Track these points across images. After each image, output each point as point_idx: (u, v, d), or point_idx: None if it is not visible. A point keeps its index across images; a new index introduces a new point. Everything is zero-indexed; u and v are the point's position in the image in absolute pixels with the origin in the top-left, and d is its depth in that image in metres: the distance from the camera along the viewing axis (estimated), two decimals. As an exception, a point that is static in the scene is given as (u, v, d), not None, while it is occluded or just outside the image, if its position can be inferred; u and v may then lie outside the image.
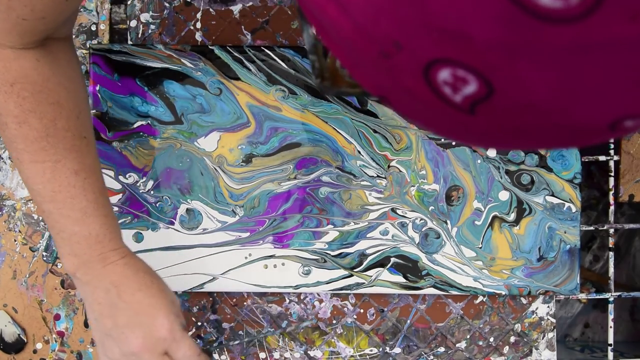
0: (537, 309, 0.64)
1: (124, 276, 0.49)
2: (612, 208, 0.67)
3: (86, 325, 0.66)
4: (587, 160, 0.66)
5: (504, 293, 0.63)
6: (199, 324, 0.65)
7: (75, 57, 0.50)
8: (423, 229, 0.63)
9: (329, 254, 0.63)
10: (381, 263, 0.63)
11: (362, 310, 0.65)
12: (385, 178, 0.63)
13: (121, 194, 0.63)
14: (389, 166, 0.63)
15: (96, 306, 0.48)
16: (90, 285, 0.49)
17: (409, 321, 0.65)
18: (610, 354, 0.66)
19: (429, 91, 0.20)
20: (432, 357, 0.65)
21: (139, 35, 0.65)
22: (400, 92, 0.22)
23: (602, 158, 0.66)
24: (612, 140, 0.66)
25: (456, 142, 0.62)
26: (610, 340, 0.66)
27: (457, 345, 0.65)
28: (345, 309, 0.65)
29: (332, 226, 0.63)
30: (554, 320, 0.65)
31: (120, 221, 0.62)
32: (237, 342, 0.64)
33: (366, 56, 0.21)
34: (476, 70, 0.19)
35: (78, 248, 0.48)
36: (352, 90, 0.28)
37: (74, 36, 0.65)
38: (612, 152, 0.66)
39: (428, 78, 0.20)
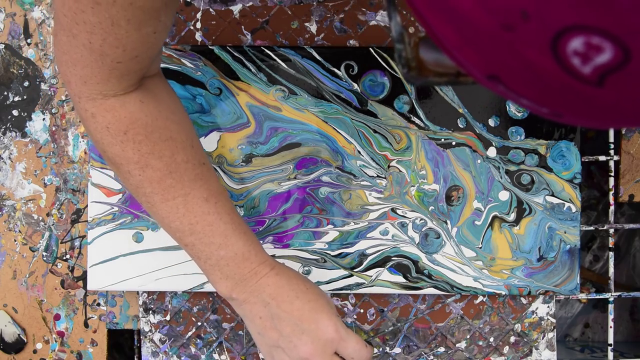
0: (537, 309, 0.64)
1: (278, 287, 0.50)
2: (612, 208, 0.67)
3: (86, 325, 0.66)
4: (587, 160, 0.66)
5: (504, 293, 0.63)
6: (199, 324, 0.65)
7: (171, 89, 0.51)
8: (423, 229, 0.63)
9: (329, 254, 0.63)
10: (383, 262, 0.63)
11: (362, 310, 0.65)
12: (385, 178, 0.63)
13: (121, 194, 0.63)
14: (389, 166, 0.63)
15: (258, 321, 0.50)
16: (248, 302, 0.50)
17: (409, 321, 0.65)
18: (610, 354, 0.66)
19: (554, 63, 0.20)
20: (432, 357, 0.65)
21: (139, 35, 0.65)
22: (517, 67, 0.21)
23: (602, 158, 0.66)
24: (612, 140, 0.66)
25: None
26: (610, 340, 0.66)
27: (457, 345, 0.65)
28: (345, 309, 0.65)
29: (332, 226, 0.63)
30: (554, 320, 0.65)
31: (120, 221, 0.62)
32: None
33: (484, 31, 0.20)
34: (614, 36, 0.18)
35: (228, 270, 0.49)
36: (439, 80, 0.28)
37: (74, 36, 0.65)
38: (612, 152, 0.66)
39: (556, 49, 0.19)
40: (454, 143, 0.63)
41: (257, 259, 0.50)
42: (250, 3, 0.65)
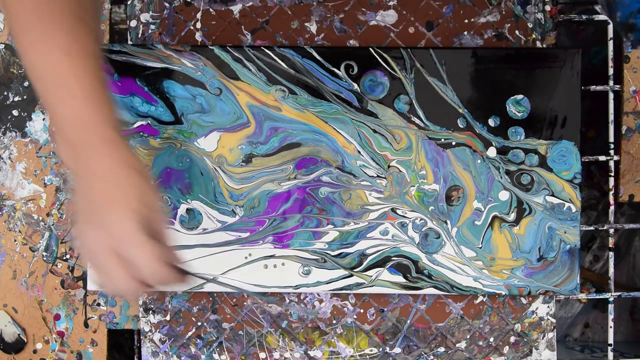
0: (537, 309, 0.64)
1: (103, 167, 0.45)
2: (612, 208, 0.67)
3: (86, 325, 0.66)
4: (587, 160, 0.66)
5: (504, 293, 0.63)
6: (199, 324, 0.65)
7: None
8: (423, 229, 0.63)
9: (329, 254, 0.63)
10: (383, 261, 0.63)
11: (362, 310, 0.65)
12: (385, 178, 0.63)
13: (121, 194, 0.62)
14: (389, 166, 0.63)
15: (79, 196, 0.47)
16: (77, 174, 0.47)
17: (409, 321, 0.65)
18: (610, 354, 0.66)
19: None
20: (432, 357, 0.65)
21: (139, 35, 0.65)
22: None
23: (602, 158, 0.66)
24: (612, 140, 0.66)
25: (456, 142, 0.62)
26: (610, 340, 0.66)
27: (457, 345, 0.65)
28: (345, 309, 0.65)
29: (332, 226, 0.63)
30: (554, 320, 0.65)
31: (120, 221, 0.62)
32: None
33: None
34: None
35: (69, 132, 0.45)
36: None
37: (74, 36, 0.65)
38: (612, 152, 0.66)
39: None
40: (454, 143, 0.63)
41: (101, 132, 0.45)
42: (250, 3, 0.65)
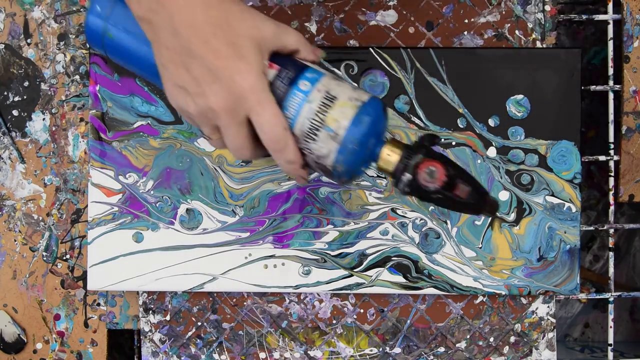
0: (537, 309, 0.64)
1: (192, 13, 0.39)
2: (612, 208, 0.67)
3: (86, 325, 0.66)
4: (587, 160, 0.66)
5: (504, 293, 0.63)
6: (199, 324, 0.65)
7: None
8: (423, 229, 0.63)
9: (329, 254, 0.63)
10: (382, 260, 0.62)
11: (362, 310, 0.65)
12: (385, 178, 0.63)
13: (121, 194, 0.63)
14: (389, 166, 0.63)
15: (164, 51, 0.40)
16: (152, 24, 0.40)
17: (409, 321, 0.65)
18: (610, 354, 0.66)
19: None
20: (432, 357, 0.65)
21: (139, 35, 0.65)
22: None
23: (602, 158, 0.66)
24: (612, 140, 0.66)
25: (456, 142, 0.62)
26: (610, 340, 0.66)
27: (457, 345, 0.65)
28: (345, 309, 0.65)
29: (332, 226, 0.63)
30: (554, 320, 0.65)
31: (120, 221, 0.62)
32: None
33: None
34: None
35: None
36: None
37: (73, 36, 0.65)
38: (612, 152, 0.66)
39: None
40: (454, 143, 0.63)
41: None
42: (250, 3, 0.65)
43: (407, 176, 0.43)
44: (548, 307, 0.64)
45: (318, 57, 0.46)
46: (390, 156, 0.44)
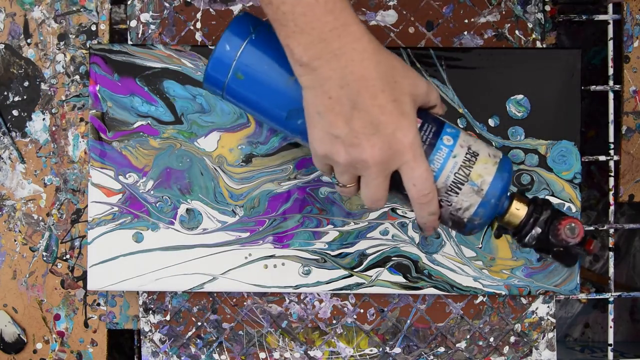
0: (537, 309, 0.64)
1: (366, 67, 0.40)
2: (612, 208, 0.67)
3: (86, 325, 0.66)
4: (587, 160, 0.66)
5: (504, 293, 0.63)
6: (199, 324, 0.65)
7: None
8: (423, 229, 0.63)
9: (329, 254, 0.63)
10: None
11: (362, 310, 0.65)
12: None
13: (121, 194, 0.63)
14: (389, 166, 0.63)
15: (325, 100, 0.41)
16: (322, 72, 0.40)
17: (409, 321, 0.65)
18: (610, 354, 0.66)
19: None
20: (432, 357, 0.65)
21: (139, 35, 0.65)
22: None
23: (602, 158, 0.66)
24: (612, 140, 0.66)
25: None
26: (610, 340, 0.66)
27: (457, 345, 0.65)
28: (345, 309, 0.65)
29: (332, 226, 0.63)
30: (554, 320, 0.65)
31: (120, 221, 0.62)
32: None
33: None
34: None
35: (303, 21, 0.39)
36: None
37: (73, 36, 0.65)
38: (612, 152, 0.66)
39: None
40: (454, 143, 0.63)
41: (343, 15, 0.39)
42: (251, 3, 0.65)
43: (537, 230, 0.46)
44: (548, 307, 0.64)
45: (444, 111, 0.48)
46: (519, 210, 0.47)
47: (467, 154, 0.45)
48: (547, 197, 0.47)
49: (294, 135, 0.48)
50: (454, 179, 0.44)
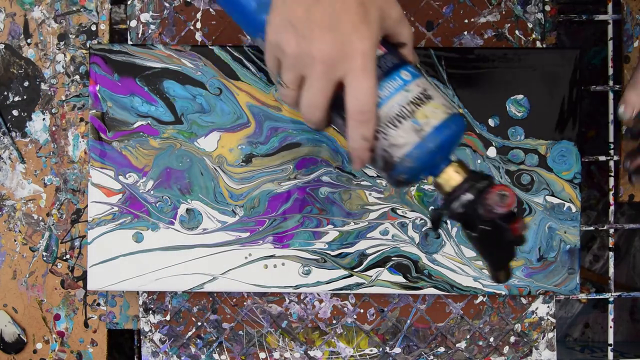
0: (537, 309, 0.64)
1: None
2: (612, 208, 0.67)
3: (86, 325, 0.66)
4: (587, 160, 0.66)
5: (504, 293, 0.63)
6: (199, 324, 0.65)
7: None
8: (423, 229, 0.63)
9: (329, 254, 0.63)
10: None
11: (362, 310, 0.65)
12: (382, 179, 0.63)
13: (121, 194, 0.63)
14: (389, 166, 0.63)
15: None
16: None
17: (409, 321, 0.65)
18: (610, 354, 0.66)
19: None
20: (432, 357, 0.65)
21: (139, 35, 0.65)
22: None
23: (602, 158, 0.66)
24: (612, 140, 0.66)
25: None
26: (610, 340, 0.66)
27: (457, 345, 0.65)
28: (345, 309, 0.65)
29: (332, 226, 0.63)
30: (554, 320, 0.65)
31: (120, 221, 0.62)
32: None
33: None
34: None
35: None
36: None
37: (73, 36, 0.65)
38: (612, 152, 0.66)
39: None
40: (454, 143, 0.63)
41: None
42: (250, 3, 0.65)
43: (467, 196, 0.43)
44: (548, 307, 0.64)
45: (415, 61, 0.46)
46: (456, 174, 0.44)
47: (421, 93, 0.42)
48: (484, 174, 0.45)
49: (257, 33, 0.45)
50: (398, 111, 0.41)
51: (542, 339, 0.65)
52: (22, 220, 0.66)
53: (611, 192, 0.66)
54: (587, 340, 0.90)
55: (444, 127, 0.42)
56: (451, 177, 0.44)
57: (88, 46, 0.64)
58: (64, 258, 0.66)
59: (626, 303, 0.89)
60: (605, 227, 0.67)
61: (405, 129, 0.41)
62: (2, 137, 0.66)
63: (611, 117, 0.66)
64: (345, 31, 0.39)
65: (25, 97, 0.66)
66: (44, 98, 0.66)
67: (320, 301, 0.64)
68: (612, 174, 0.66)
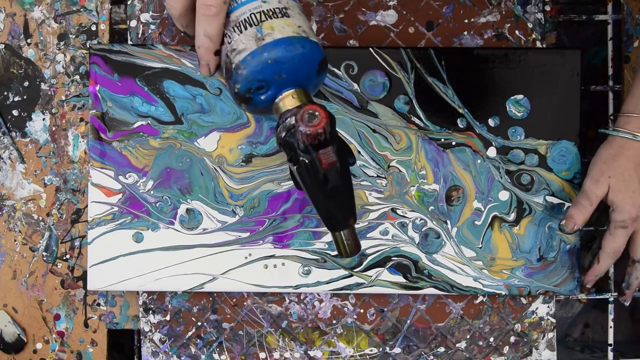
0: (537, 309, 0.64)
1: None
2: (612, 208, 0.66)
3: (86, 325, 0.66)
4: (587, 160, 0.66)
5: (504, 293, 0.63)
6: (199, 324, 0.65)
7: None
8: (423, 229, 0.63)
9: (329, 254, 0.63)
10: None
11: (362, 310, 0.65)
12: (385, 178, 0.63)
13: (121, 194, 0.63)
14: (388, 166, 0.63)
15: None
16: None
17: (409, 321, 0.65)
18: (610, 354, 0.66)
19: None
20: (432, 357, 0.65)
21: (139, 35, 0.65)
22: None
23: (602, 158, 0.66)
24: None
25: (456, 142, 0.62)
26: (610, 340, 0.66)
27: (457, 345, 0.65)
28: (345, 309, 0.65)
29: (332, 226, 0.62)
30: (554, 320, 0.65)
31: (120, 221, 0.62)
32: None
33: None
34: None
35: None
36: None
37: (73, 36, 0.65)
38: (612, 152, 0.66)
39: None
40: (454, 143, 0.63)
41: None
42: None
43: (290, 120, 0.41)
44: (548, 307, 0.64)
45: None
46: (293, 99, 0.42)
47: (278, 8, 0.41)
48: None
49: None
50: (247, 17, 0.41)
51: (542, 339, 0.65)
52: (22, 220, 0.66)
53: (611, 192, 0.66)
54: (587, 340, 0.90)
55: (286, 43, 0.41)
56: (288, 101, 0.43)
57: (88, 46, 0.64)
58: (64, 258, 0.66)
59: (626, 303, 0.88)
60: (605, 227, 0.67)
61: (247, 36, 0.41)
62: (2, 137, 0.66)
63: (611, 117, 0.66)
64: None
65: (25, 97, 0.66)
66: (44, 98, 0.66)
67: (320, 301, 0.64)
68: (612, 174, 0.66)
